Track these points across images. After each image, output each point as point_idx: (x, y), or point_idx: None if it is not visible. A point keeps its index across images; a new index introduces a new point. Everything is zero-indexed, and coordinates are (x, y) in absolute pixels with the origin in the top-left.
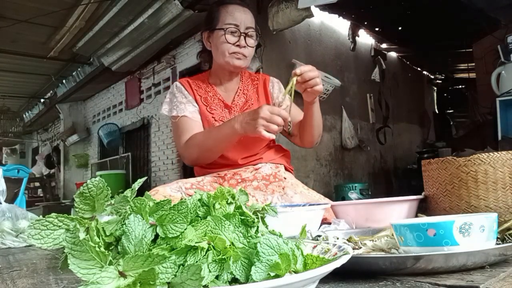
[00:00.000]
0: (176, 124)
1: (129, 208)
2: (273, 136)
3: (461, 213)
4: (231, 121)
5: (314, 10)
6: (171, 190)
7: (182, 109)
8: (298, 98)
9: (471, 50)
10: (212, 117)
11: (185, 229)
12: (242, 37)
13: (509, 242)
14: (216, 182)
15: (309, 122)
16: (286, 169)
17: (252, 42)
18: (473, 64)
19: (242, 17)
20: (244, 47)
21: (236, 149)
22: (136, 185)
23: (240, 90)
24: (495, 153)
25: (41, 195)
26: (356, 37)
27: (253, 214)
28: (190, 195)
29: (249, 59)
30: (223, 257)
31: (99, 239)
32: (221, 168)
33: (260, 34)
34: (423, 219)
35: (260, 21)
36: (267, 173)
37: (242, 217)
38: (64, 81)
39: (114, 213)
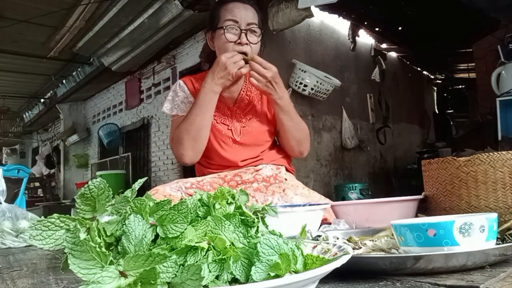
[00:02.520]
0: (174, 122)
1: (129, 208)
2: (244, 71)
3: (461, 213)
4: (204, 89)
5: (314, 10)
6: (171, 190)
7: (182, 109)
8: (299, 104)
9: (471, 50)
10: (214, 119)
11: (185, 229)
12: (243, 34)
13: (509, 242)
14: (216, 183)
15: (280, 126)
16: (287, 170)
17: (254, 38)
18: (473, 64)
19: (241, 13)
20: (246, 44)
21: (236, 151)
22: (137, 185)
23: (243, 91)
24: (495, 153)
25: (41, 195)
26: (356, 37)
27: (253, 214)
28: (190, 195)
29: None
30: (223, 257)
31: (100, 239)
32: (221, 170)
33: (263, 31)
34: (423, 219)
35: None
36: (267, 175)
37: (242, 217)
38: (64, 81)
39: (114, 213)
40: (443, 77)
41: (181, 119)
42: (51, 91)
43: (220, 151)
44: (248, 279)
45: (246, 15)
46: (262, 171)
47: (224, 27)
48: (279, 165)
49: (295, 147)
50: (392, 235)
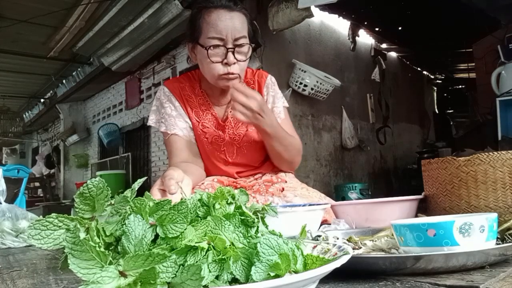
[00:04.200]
0: (167, 142)
1: (129, 208)
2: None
3: (461, 213)
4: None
5: (314, 10)
6: None
7: (172, 125)
8: (299, 104)
9: (471, 50)
10: (205, 137)
11: (185, 229)
12: (229, 53)
13: (509, 242)
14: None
15: (270, 151)
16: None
17: (242, 56)
18: (473, 64)
19: (228, 26)
20: (234, 63)
21: (231, 169)
22: (136, 185)
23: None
24: (495, 153)
25: (41, 195)
26: (356, 37)
27: (253, 214)
28: None
29: (242, 74)
30: (223, 257)
31: (99, 239)
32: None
33: (253, 44)
34: (423, 219)
35: (260, 21)
36: (268, 177)
37: (242, 217)
38: (64, 81)
39: (114, 213)
40: (443, 77)
41: (173, 139)
42: (51, 91)
43: (213, 171)
44: (248, 279)
45: (233, 28)
46: (261, 179)
47: (207, 48)
48: (277, 172)
49: (284, 166)
50: (392, 235)
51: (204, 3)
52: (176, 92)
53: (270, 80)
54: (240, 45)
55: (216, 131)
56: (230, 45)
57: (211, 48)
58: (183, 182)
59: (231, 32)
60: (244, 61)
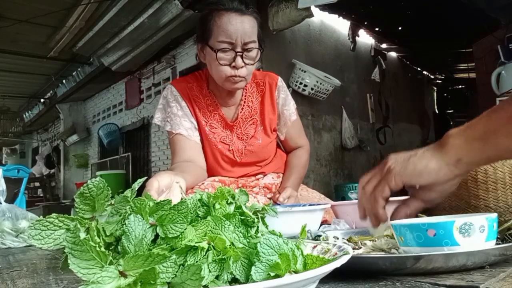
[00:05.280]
0: (171, 141)
1: (129, 208)
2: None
3: (461, 213)
4: None
5: (314, 10)
6: None
7: (177, 124)
8: (299, 104)
9: (471, 50)
10: (214, 137)
11: (185, 229)
12: (238, 57)
13: (509, 242)
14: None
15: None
16: None
17: (250, 60)
18: (473, 64)
19: (238, 30)
20: (242, 67)
21: (236, 171)
22: (136, 185)
23: (244, 102)
24: None
25: (41, 195)
26: (356, 37)
27: (253, 214)
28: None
29: (249, 77)
30: (223, 257)
31: (100, 239)
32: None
33: (262, 49)
34: (423, 219)
35: None
36: (269, 182)
37: (242, 217)
38: (64, 81)
39: (114, 213)
40: (443, 77)
41: (178, 139)
42: (51, 91)
43: (220, 172)
44: (248, 279)
45: (243, 32)
46: (262, 180)
47: (217, 51)
48: (279, 173)
49: None
50: (392, 235)
51: (215, 5)
52: (183, 92)
53: (281, 83)
54: (249, 49)
55: (224, 131)
56: (239, 49)
57: (220, 51)
58: (172, 185)
59: (241, 36)
60: (252, 65)
